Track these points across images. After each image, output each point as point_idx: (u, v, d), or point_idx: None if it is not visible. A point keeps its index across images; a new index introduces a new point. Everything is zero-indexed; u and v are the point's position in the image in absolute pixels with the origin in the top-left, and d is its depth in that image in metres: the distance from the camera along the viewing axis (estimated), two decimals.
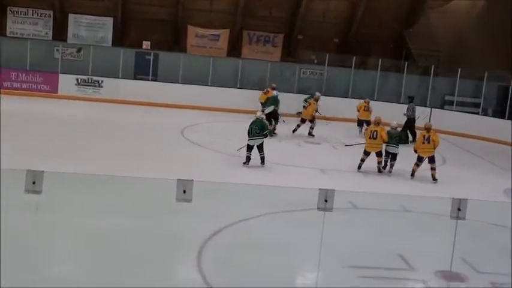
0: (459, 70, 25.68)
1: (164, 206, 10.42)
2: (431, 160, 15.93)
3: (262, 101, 22.30)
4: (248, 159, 15.51)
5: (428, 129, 16.31)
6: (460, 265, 9.28)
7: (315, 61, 29.38)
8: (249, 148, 15.58)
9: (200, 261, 8.96)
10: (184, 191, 7.34)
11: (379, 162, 16.41)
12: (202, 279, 8.42)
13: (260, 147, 15.63)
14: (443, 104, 27.33)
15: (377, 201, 13.27)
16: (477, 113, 25.98)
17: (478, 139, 23.50)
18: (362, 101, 23.47)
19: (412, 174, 16.08)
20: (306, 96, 23.75)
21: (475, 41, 26.05)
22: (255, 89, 24.99)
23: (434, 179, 15.83)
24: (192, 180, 7.21)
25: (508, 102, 24.72)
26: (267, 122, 15.85)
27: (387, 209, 12.80)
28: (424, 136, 16.16)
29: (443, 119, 23.88)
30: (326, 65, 28.21)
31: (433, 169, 15.90)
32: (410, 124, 21.65)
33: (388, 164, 16.54)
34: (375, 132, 16.28)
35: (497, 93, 27.23)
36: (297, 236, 10.44)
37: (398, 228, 11.91)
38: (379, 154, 16.38)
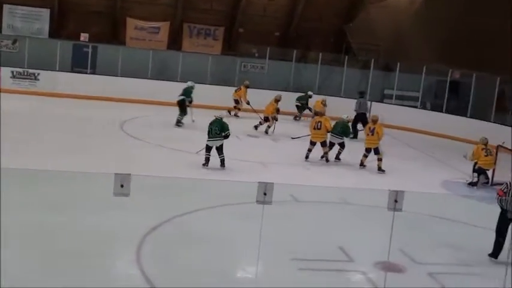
0: (398, 64, 26.09)
1: (102, 200, 10.25)
2: (376, 151, 16.45)
3: (236, 98, 24.00)
4: (207, 160, 14.93)
5: (374, 121, 16.99)
6: (398, 256, 9.43)
7: (256, 54, 29.37)
8: (208, 149, 14.98)
9: (139, 257, 8.83)
10: (122, 185, 7.23)
11: (325, 153, 16.95)
12: (141, 274, 8.29)
13: (219, 149, 14.98)
14: (382, 98, 27.66)
15: (318, 193, 13.38)
16: (416, 107, 26.41)
17: (416, 132, 23.86)
18: (320, 98, 24.10)
19: (361, 165, 16.60)
20: (300, 94, 25.36)
21: (413, 36, 26.47)
22: (196, 83, 24.75)
23: (379, 169, 16.32)
24: (130, 174, 7.09)
25: (446, 95, 25.19)
26: (227, 122, 15.48)
27: (327, 202, 12.91)
28: (369, 128, 16.83)
29: (383, 112, 24.11)
30: (267, 58, 28.19)
31: (379, 160, 16.42)
32: (360, 119, 21.91)
33: (337, 151, 17.16)
34: (319, 123, 16.94)
35: (435, 87, 27.74)
36: (237, 229, 10.42)
37: (339, 220, 12.02)
38: (323, 144, 16.93)
